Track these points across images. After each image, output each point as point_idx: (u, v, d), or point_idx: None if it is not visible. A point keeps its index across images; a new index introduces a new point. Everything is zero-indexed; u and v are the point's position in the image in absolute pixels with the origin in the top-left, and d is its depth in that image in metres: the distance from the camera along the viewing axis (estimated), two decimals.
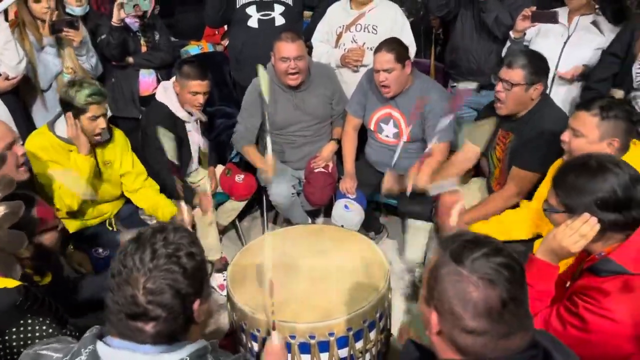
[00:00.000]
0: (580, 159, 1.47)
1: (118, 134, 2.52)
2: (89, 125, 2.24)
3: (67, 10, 2.88)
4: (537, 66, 2.18)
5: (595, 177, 1.37)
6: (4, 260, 1.32)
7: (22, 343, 1.31)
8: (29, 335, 1.33)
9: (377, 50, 2.55)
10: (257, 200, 3.23)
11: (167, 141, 2.16)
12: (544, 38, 2.69)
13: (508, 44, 2.74)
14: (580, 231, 1.37)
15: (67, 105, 2.23)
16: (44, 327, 1.35)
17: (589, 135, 1.83)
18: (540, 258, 1.48)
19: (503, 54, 2.80)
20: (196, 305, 1.06)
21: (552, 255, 1.46)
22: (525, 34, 2.67)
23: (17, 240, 1.30)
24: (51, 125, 2.31)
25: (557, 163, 2.04)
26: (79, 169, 2.23)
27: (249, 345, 1.93)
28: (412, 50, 2.91)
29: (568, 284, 1.54)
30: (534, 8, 2.58)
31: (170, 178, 2.56)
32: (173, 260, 1.02)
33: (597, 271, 1.37)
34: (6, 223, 1.29)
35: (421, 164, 2.42)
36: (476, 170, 2.81)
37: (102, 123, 2.27)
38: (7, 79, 2.52)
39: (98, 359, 1.01)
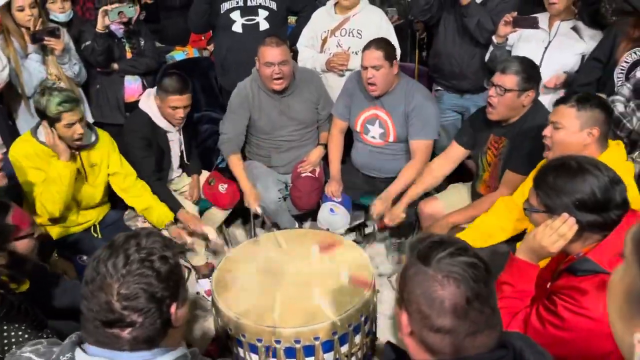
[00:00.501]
0: (561, 159, 1.49)
1: (103, 135, 2.51)
2: (65, 132, 2.23)
3: (51, 16, 2.87)
4: (530, 73, 2.22)
5: (575, 178, 1.39)
6: None
7: None
8: (5, 341, 1.33)
9: (366, 47, 2.57)
10: (244, 204, 3.22)
11: None
12: (525, 43, 2.72)
13: (491, 48, 2.77)
14: (559, 231, 1.40)
15: (41, 114, 2.22)
16: (20, 333, 1.35)
17: (569, 126, 1.86)
18: (521, 258, 1.50)
19: (486, 58, 2.83)
20: (173, 308, 1.05)
21: (532, 255, 1.49)
22: (507, 39, 2.70)
23: None
24: (34, 132, 2.31)
25: (542, 163, 2.08)
26: (59, 175, 2.22)
27: (235, 350, 1.93)
28: (397, 54, 2.93)
29: (549, 285, 1.56)
30: (515, 13, 2.61)
31: (155, 185, 2.56)
32: (146, 265, 1.02)
33: (575, 271, 1.39)
34: None
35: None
36: (457, 176, 2.83)
37: (79, 129, 2.25)
38: None
39: None
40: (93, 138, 2.43)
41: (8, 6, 2.62)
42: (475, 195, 2.50)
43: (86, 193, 2.44)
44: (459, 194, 2.64)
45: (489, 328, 0.98)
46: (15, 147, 2.26)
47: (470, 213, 2.32)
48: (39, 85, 2.74)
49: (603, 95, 2.43)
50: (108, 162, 2.48)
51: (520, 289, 1.50)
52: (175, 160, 2.78)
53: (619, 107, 2.25)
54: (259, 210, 2.71)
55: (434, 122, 2.68)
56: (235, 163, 2.82)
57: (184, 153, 2.82)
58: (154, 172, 2.63)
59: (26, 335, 1.34)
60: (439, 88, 3.13)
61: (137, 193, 2.54)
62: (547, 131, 1.94)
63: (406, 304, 1.02)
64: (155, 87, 2.66)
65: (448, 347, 0.97)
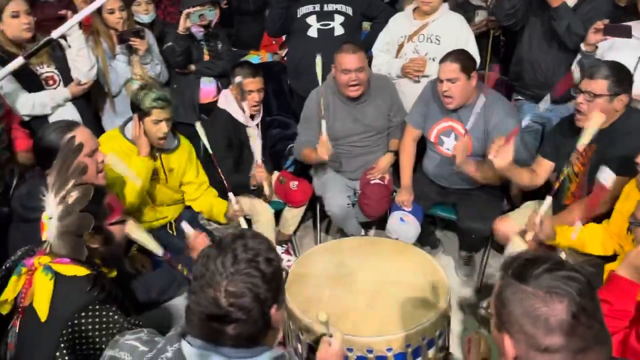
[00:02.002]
0: None
1: (185, 142, 2.58)
2: (151, 127, 2.32)
3: (135, 18, 2.99)
4: (621, 77, 2.10)
5: None
6: (72, 242, 1.38)
7: (89, 327, 1.37)
8: (97, 320, 1.38)
9: (443, 59, 2.51)
10: (311, 209, 3.22)
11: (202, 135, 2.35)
12: (617, 52, 2.55)
13: (578, 56, 2.63)
14: None
15: (135, 107, 2.33)
16: (111, 314, 1.40)
17: None
18: (622, 275, 1.41)
19: (572, 67, 2.70)
20: (273, 310, 1.08)
21: (636, 273, 1.41)
22: (597, 47, 2.56)
23: (86, 222, 1.36)
24: (122, 129, 2.41)
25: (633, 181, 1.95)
26: (136, 170, 2.30)
27: (305, 355, 1.91)
28: (476, 63, 2.84)
29: None
30: (607, 21, 2.47)
31: (233, 177, 2.60)
32: (253, 265, 1.05)
33: None
34: (77, 206, 1.36)
35: (507, 142, 2.21)
36: (531, 193, 2.69)
37: (164, 127, 2.33)
38: (79, 84, 2.63)
39: (183, 358, 1.05)
40: (175, 143, 2.51)
41: (98, 9, 2.74)
42: (559, 208, 2.37)
43: (162, 193, 2.51)
44: (532, 211, 2.51)
45: (599, 344, 0.94)
46: (102, 141, 2.35)
47: (561, 219, 2.19)
48: (124, 84, 2.86)
49: None
50: (185, 170, 2.55)
51: (619, 308, 1.42)
52: (258, 155, 2.83)
53: None
54: (326, 158, 2.69)
55: (516, 140, 2.55)
56: (308, 152, 2.82)
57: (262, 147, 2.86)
58: (232, 170, 2.68)
59: (116, 317, 1.38)
60: (519, 97, 3.01)
61: (204, 199, 2.61)
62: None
63: (507, 326, 0.99)
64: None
65: None
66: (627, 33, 2.46)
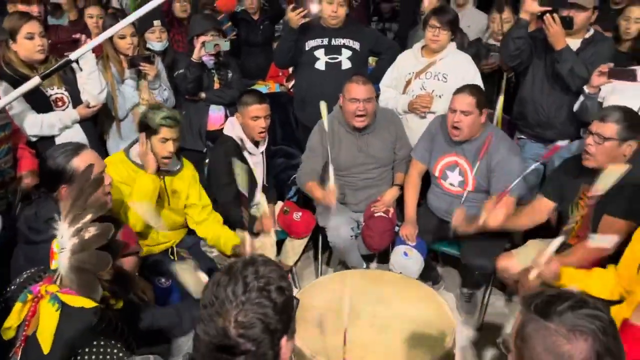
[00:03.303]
0: None
1: (188, 166, 2.57)
2: (158, 146, 2.32)
3: (148, 45, 3.04)
4: (633, 123, 2.11)
5: None
6: (87, 280, 1.32)
7: None
8: (100, 357, 1.33)
9: (459, 91, 2.54)
10: (312, 240, 3.20)
11: (240, 172, 2.22)
12: (619, 96, 2.60)
13: (581, 98, 2.68)
14: None
15: (143, 126, 2.33)
16: (115, 351, 1.35)
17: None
18: (637, 324, 1.38)
19: (575, 108, 2.74)
20: (284, 341, 1.05)
21: None
22: (600, 89, 2.61)
23: (102, 262, 1.30)
24: (127, 151, 2.40)
25: None
26: (144, 188, 2.27)
27: None
28: None
29: None
30: (612, 64, 2.52)
31: (235, 211, 2.57)
32: (264, 295, 1.02)
33: None
34: (94, 244, 1.31)
35: (498, 201, 2.34)
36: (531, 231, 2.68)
37: (170, 147, 2.33)
38: (88, 106, 2.65)
39: None
40: (178, 166, 2.50)
41: None
42: (562, 248, 2.36)
43: (165, 216, 2.47)
44: (538, 251, 2.50)
45: None
46: (108, 163, 2.34)
47: (567, 261, 2.17)
48: (131, 109, 2.88)
49: None
50: (188, 193, 2.53)
51: (633, 358, 1.37)
52: (260, 181, 2.82)
53: None
54: (334, 206, 2.65)
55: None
56: (313, 186, 2.78)
57: (265, 175, 2.87)
58: (234, 200, 2.66)
59: (120, 354, 1.34)
60: (522, 137, 3.04)
61: (209, 225, 2.57)
62: None
63: None
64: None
65: None
66: (632, 77, 2.50)
